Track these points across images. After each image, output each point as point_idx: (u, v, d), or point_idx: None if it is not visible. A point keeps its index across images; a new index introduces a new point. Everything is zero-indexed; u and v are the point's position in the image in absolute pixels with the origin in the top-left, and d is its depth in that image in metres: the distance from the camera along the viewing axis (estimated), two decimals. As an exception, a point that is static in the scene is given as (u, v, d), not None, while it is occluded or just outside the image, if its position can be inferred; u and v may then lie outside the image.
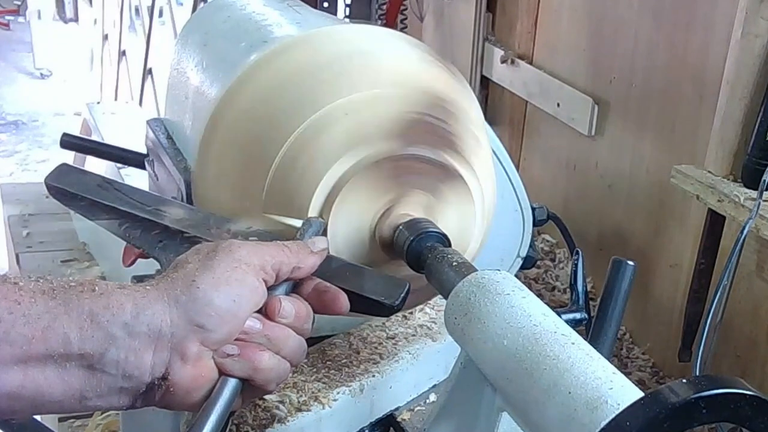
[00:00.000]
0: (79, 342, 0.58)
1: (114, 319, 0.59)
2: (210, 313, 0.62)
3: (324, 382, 0.90)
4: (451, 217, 0.86)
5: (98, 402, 0.61)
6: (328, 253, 0.75)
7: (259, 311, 0.67)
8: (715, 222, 1.58)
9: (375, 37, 0.91)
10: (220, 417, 0.63)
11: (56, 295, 0.59)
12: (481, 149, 0.89)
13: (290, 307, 0.68)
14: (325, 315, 0.73)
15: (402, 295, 0.75)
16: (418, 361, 0.96)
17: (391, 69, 0.87)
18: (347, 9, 3.05)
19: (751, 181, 1.46)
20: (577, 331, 0.65)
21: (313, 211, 0.82)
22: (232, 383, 0.65)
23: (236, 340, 0.65)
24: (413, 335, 1.00)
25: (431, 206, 0.85)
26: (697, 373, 1.43)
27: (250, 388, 0.67)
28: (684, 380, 0.52)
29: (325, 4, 2.95)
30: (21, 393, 0.58)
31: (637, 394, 0.56)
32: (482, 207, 0.89)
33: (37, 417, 1.06)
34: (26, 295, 0.58)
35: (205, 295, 0.62)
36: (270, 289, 0.68)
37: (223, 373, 0.65)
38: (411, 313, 1.04)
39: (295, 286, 0.72)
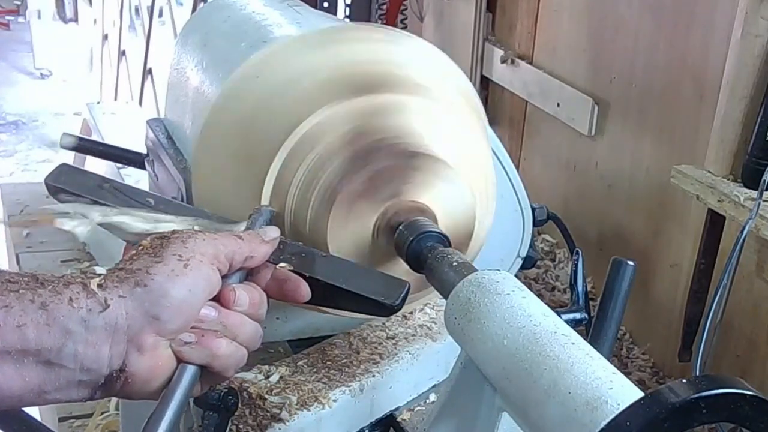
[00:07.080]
0: (36, 338, 0.58)
1: (70, 314, 0.59)
2: (166, 305, 0.62)
3: (324, 382, 0.90)
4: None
5: (57, 395, 0.61)
6: (281, 241, 0.75)
7: (214, 299, 0.67)
8: (715, 222, 1.58)
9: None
10: (180, 404, 0.63)
11: (9, 293, 0.58)
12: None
13: (245, 295, 0.69)
14: (287, 303, 0.74)
15: (402, 295, 0.75)
16: (418, 361, 0.96)
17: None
18: (347, 9, 3.05)
19: (751, 181, 1.46)
20: (577, 331, 0.65)
21: (312, 211, 0.82)
22: (190, 370, 0.65)
23: (192, 328, 0.65)
24: (413, 335, 1.00)
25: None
26: (697, 373, 1.43)
27: (209, 375, 0.67)
28: (684, 380, 0.52)
29: (325, 4, 2.94)
30: None
31: (637, 394, 0.56)
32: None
33: (37, 417, 1.07)
34: None
35: (160, 287, 0.62)
36: (224, 277, 0.68)
37: (181, 361, 0.65)
38: (411, 313, 1.04)
39: (250, 274, 0.73)
